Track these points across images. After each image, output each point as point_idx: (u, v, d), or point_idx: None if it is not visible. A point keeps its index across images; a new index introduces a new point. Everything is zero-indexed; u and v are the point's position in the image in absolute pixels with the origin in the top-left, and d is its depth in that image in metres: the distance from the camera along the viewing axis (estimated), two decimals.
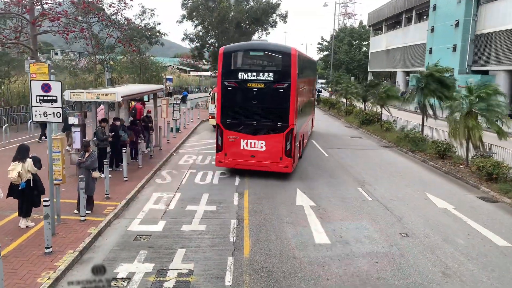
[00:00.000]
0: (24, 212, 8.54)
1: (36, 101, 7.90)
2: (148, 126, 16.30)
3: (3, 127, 17.86)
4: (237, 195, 11.69)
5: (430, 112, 20.05)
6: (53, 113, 7.97)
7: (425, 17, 54.63)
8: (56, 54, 69.69)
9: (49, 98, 7.91)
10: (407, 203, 11.40)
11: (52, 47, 69.85)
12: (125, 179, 12.28)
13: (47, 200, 7.28)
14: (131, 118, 15.17)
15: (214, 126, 22.59)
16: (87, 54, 32.21)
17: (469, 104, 14.65)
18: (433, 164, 16.23)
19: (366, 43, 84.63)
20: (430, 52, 45.35)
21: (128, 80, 39.45)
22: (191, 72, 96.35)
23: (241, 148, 13.25)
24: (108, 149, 12.81)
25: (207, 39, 37.42)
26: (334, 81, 39.60)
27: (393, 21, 63.00)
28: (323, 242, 8.46)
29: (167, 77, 39.16)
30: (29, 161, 8.24)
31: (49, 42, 66.71)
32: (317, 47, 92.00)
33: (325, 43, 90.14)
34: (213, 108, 23.61)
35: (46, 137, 11.34)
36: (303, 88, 15.99)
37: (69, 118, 12.09)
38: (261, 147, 13.16)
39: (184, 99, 36.52)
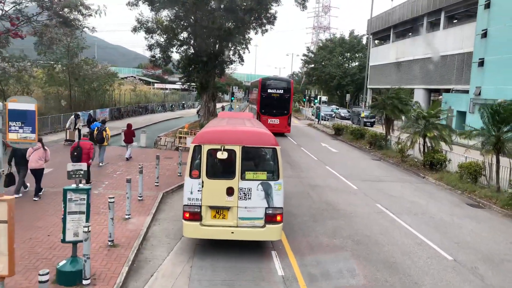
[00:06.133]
0: None
1: None
2: None
3: None
4: None
5: None
6: None
7: (455, 21, 43.32)
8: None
9: None
10: None
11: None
12: None
13: None
14: None
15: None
16: None
17: None
18: None
19: (360, 55, 73.05)
20: (482, 64, 33.27)
21: (42, 98, 23.85)
22: (155, 85, 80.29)
23: (268, 122, 27.92)
24: None
25: (177, 32, 22.78)
26: (386, 102, 22.57)
27: (405, 28, 51.40)
28: None
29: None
30: None
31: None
32: (301, 59, 79.71)
33: (311, 55, 77.98)
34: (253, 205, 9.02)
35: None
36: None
37: None
38: (277, 122, 29.38)
39: (92, 138, 15.24)
